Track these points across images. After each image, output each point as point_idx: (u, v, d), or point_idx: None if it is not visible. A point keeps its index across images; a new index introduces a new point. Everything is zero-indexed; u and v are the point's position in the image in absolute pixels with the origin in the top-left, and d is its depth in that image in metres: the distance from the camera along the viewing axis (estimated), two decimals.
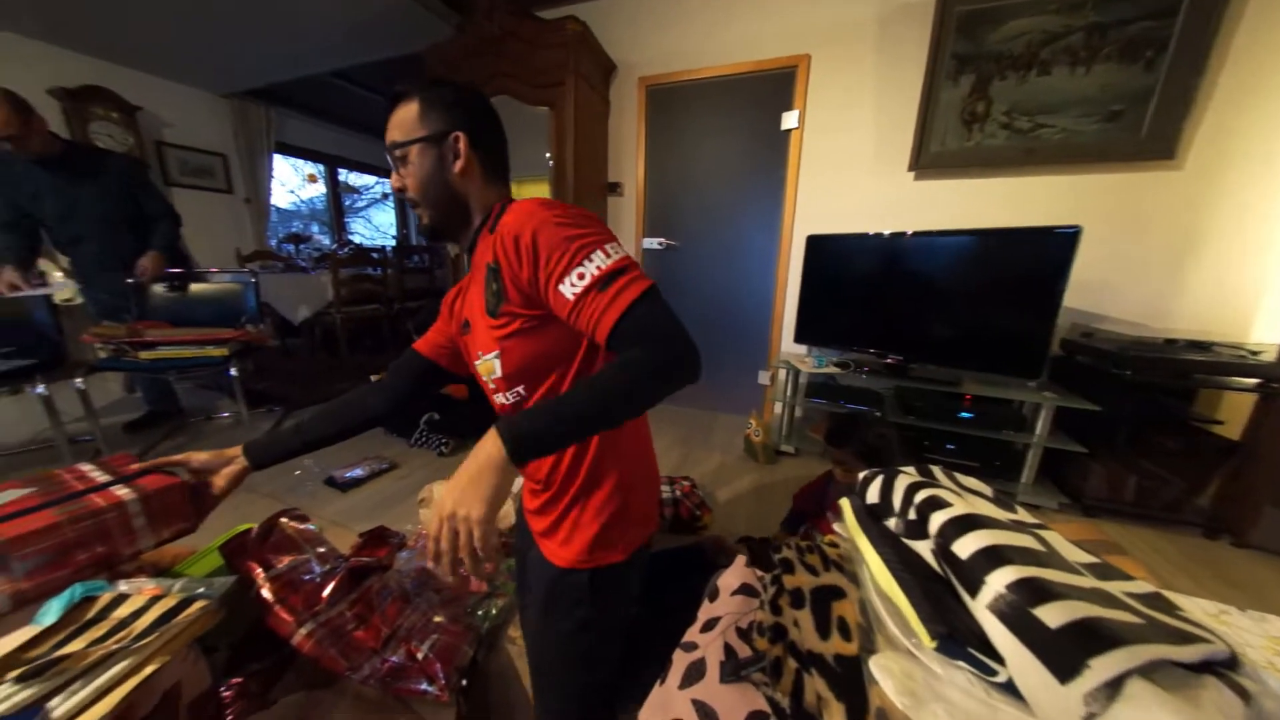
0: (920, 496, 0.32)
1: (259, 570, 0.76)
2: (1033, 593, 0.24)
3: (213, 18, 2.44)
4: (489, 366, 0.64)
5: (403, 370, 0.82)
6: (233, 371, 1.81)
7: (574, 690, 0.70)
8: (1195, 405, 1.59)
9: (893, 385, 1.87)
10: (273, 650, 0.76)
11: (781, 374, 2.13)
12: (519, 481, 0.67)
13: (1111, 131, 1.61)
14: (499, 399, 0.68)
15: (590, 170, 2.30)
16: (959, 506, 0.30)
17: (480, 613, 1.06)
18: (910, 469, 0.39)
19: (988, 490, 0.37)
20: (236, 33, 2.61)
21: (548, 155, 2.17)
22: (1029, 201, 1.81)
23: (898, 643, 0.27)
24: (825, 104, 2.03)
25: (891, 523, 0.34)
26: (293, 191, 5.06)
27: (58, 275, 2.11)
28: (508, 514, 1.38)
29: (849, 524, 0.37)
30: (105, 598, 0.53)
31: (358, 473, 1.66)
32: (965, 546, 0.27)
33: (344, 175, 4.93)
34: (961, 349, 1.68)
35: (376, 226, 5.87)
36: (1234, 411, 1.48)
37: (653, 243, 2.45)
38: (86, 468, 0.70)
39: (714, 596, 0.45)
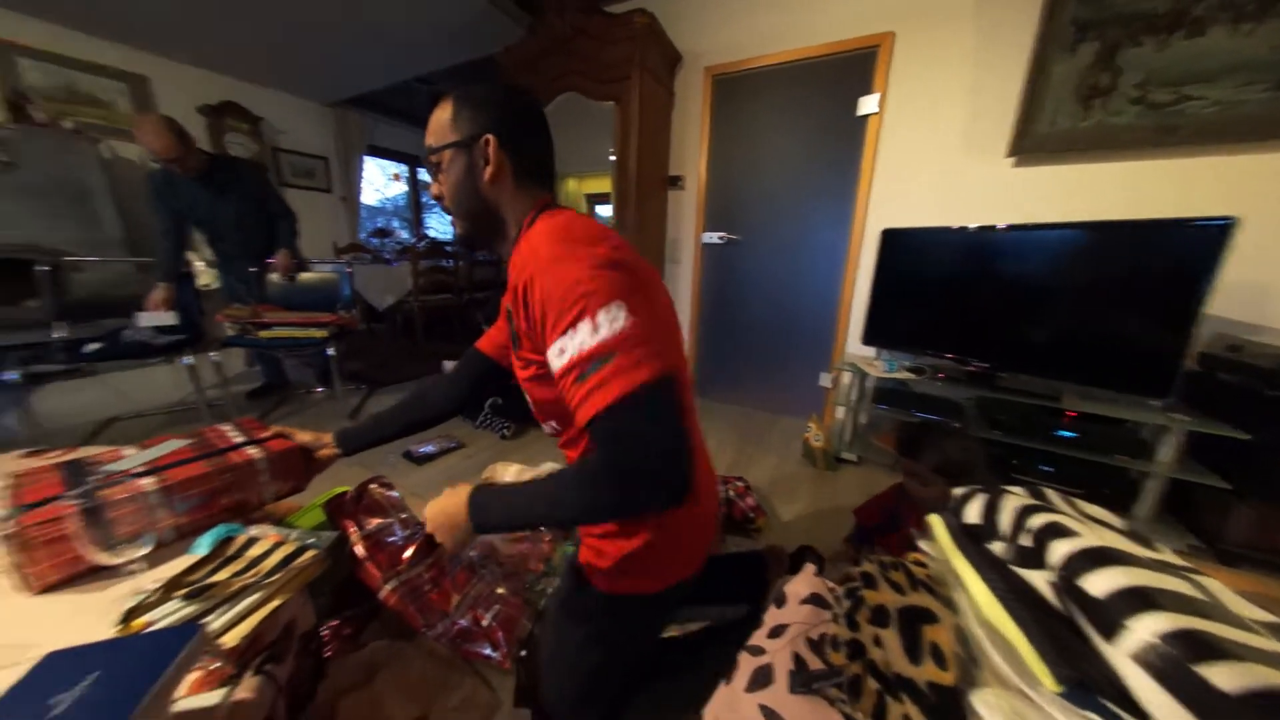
0: (1036, 521, 0.28)
1: (353, 528, 0.86)
2: (1196, 647, 0.20)
3: (320, 30, 2.72)
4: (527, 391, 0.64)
5: (465, 368, 0.83)
6: (330, 351, 2.04)
7: (571, 691, 0.67)
8: None
9: (975, 395, 1.70)
10: (363, 600, 0.86)
11: (846, 377, 2.02)
12: None
13: None
14: (543, 427, 0.68)
15: (652, 164, 2.30)
16: (1088, 537, 0.26)
17: (539, 589, 1.12)
18: (1018, 490, 0.35)
19: (1117, 521, 0.32)
20: (341, 46, 2.90)
21: (611, 152, 2.19)
22: (1155, 189, 1.54)
23: (1007, 680, 0.25)
24: (910, 85, 1.86)
25: (997, 547, 0.31)
26: (379, 190, 5.55)
27: (199, 265, 2.49)
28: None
29: (943, 544, 0.34)
30: (241, 539, 0.63)
31: (430, 449, 1.80)
32: (1099, 583, 0.24)
33: (425, 175, 5.33)
34: (1064, 358, 1.48)
35: (449, 221, 6.29)
36: None
37: (712, 237, 2.41)
38: (226, 428, 0.82)
39: (781, 603, 0.44)
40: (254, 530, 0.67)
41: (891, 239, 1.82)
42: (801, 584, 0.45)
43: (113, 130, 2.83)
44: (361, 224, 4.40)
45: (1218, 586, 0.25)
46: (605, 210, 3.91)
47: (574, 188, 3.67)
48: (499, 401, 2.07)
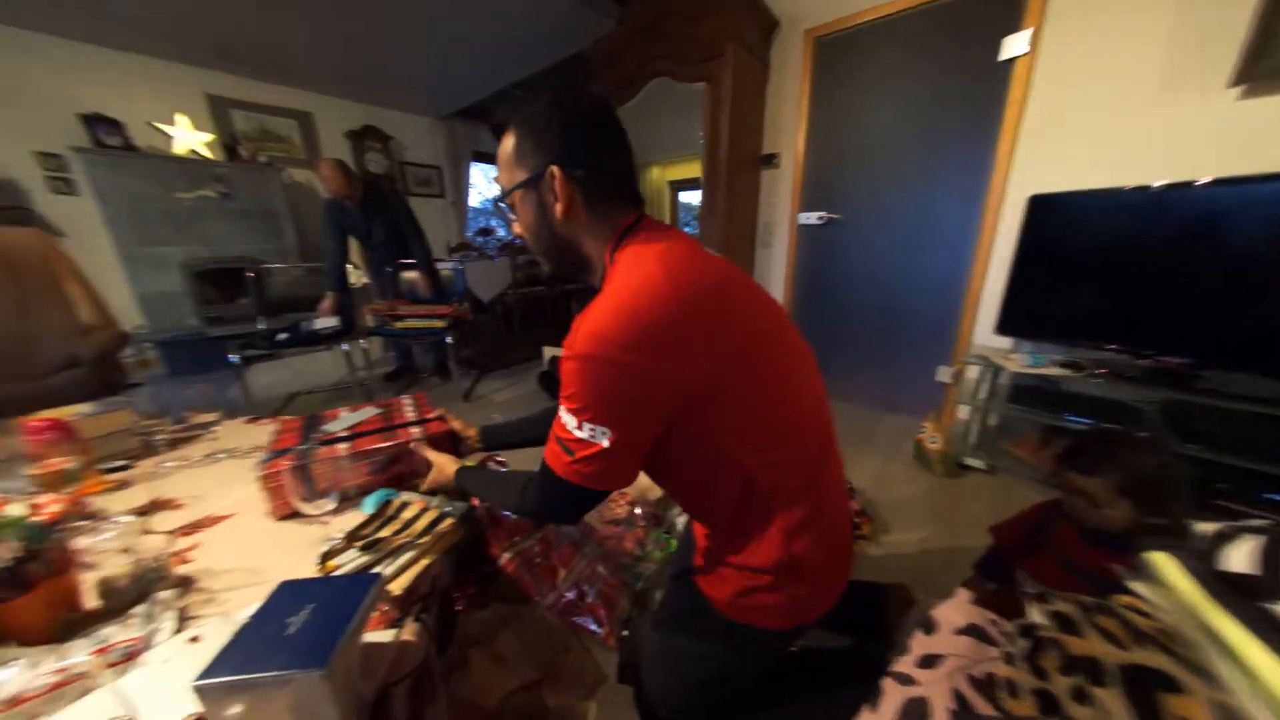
0: None
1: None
2: None
3: (435, 52, 3.03)
4: None
5: None
6: (448, 339, 2.31)
7: (677, 698, 0.65)
8: None
9: (1163, 398, 1.36)
10: (484, 564, 0.96)
11: (972, 371, 1.75)
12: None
13: None
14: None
15: (745, 143, 2.18)
16: None
17: (636, 570, 1.16)
18: None
19: None
20: (451, 64, 3.20)
21: (700, 137, 2.12)
22: None
23: None
24: (1078, 12, 1.50)
25: None
26: (480, 192, 6.09)
27: (350, 267, 2.98)
28: (651, 487, 1.47)
29: (1185, 594, 0.27)
30: (396, 502, 0.73)
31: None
32: None
33: None
34: None
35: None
36: None
37: (810, 217, 2.22)
38: (406, 402, 0.99)
39: (931, 629, 0.39)
40: (405, 495, 0.78)
41: (1042, 207, 1.51)
42: (956, 611, 0.40)
43: (291, 161, 3.49)
44: (468, 224, 4.88)
45: None
46: (690, 196, 3.83)
47: (657, 175, 3.64)
48: (445, 412, 2.17)
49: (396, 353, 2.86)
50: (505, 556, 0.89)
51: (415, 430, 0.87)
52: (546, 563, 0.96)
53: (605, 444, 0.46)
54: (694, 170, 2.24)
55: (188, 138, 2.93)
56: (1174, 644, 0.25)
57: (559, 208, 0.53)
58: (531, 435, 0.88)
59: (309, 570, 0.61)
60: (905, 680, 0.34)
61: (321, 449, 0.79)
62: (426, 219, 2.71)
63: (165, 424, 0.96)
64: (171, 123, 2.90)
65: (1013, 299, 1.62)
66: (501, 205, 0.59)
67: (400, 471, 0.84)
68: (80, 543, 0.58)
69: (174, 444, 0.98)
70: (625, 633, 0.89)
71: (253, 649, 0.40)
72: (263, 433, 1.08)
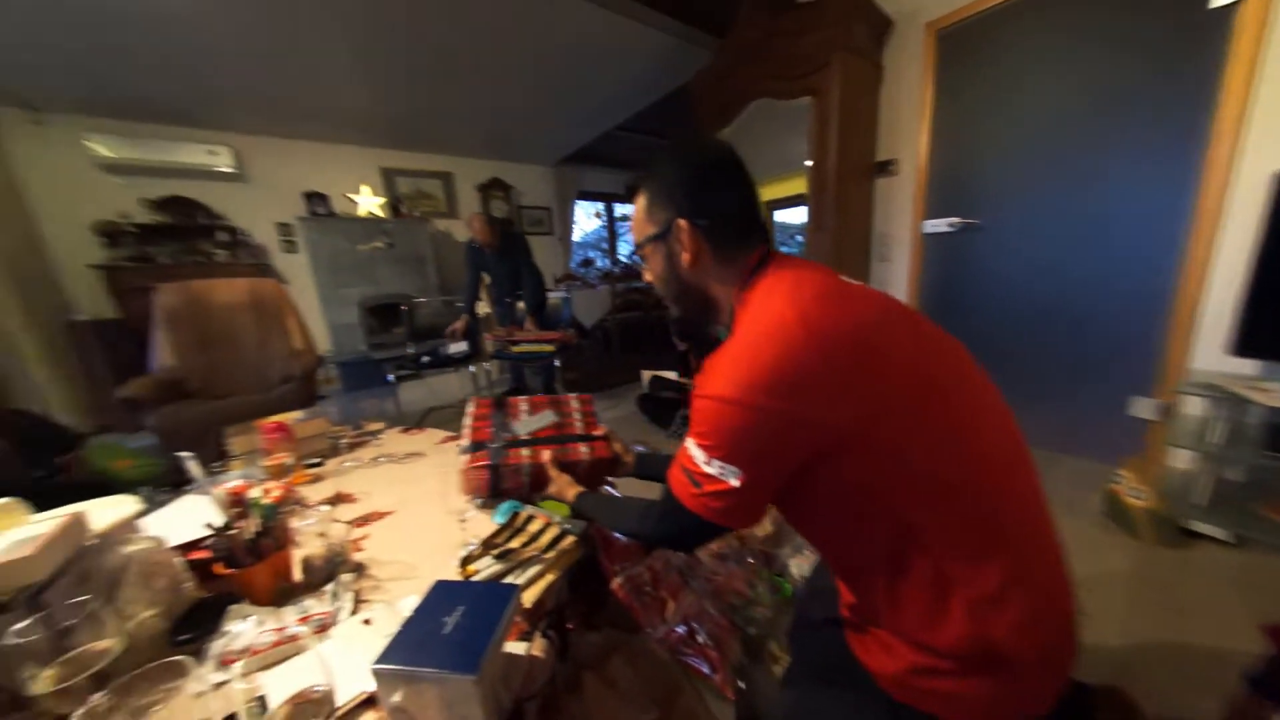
0: None
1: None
2: None
3: (551, 110, 3.42)
4: None
5: None
6: (557, 363, 2.49)
7: None
8: None
9: None
10: (596, 583, 0.96)
11: (1194, 405, 1.35)
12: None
13: None
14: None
15: (855, 152, 2.04)
16: None
17: (746, 615, 1.07)
18: None
19: None
20: (561, 116, 3.59)
21: (803, 155, 2.04)
22: None
23: None
24: None
25: None
26: (582, 229, 6.63)
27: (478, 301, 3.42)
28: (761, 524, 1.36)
29: None
30: (523, 514, 0.77)
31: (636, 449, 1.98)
32: None
33: (618, 208, 6.12)
34: None
35: (633, 246, 7.05)
36: None
37: (939, 224, 1.97)
38: (574, 404, 0.99)
39: None
40: (529, 509, 0.83)
41: None
42: None
43: (435, 213, 4.20)
44: (572, 256, 5.32)
45: None
46: (787, 215, 3.68)
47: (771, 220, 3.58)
48: (687, 414, 2.14)
49: (511, 374, 3.17)
50: (617, 581, 0.88)
51: (584, 450, 0.86)
52: (656, 594, 0.93)
53: (735, 483, 0.46)
54: (792, 187, 2.16)
55: (368, 202, 3.71)
56: None
57: (686, 257, 0.56)
58: None
59: (451, 571, 0.67)
60: None
61: (511, 451, 0.83)
62: (537, 253, 3.02)
63: (347, 430, 1.17)
64: (358, 192, 3.70)
65: (1260, 309, 1.22)
66: (638, 254, 0.63)
67: (544, 483, 0.86)
68: (291, 524, 0.70)
69: (351, 447, 1.19)
70: (742, 685, 0.81)
71: (417, 643, 0.44)
72: (413, 441, 1.25)
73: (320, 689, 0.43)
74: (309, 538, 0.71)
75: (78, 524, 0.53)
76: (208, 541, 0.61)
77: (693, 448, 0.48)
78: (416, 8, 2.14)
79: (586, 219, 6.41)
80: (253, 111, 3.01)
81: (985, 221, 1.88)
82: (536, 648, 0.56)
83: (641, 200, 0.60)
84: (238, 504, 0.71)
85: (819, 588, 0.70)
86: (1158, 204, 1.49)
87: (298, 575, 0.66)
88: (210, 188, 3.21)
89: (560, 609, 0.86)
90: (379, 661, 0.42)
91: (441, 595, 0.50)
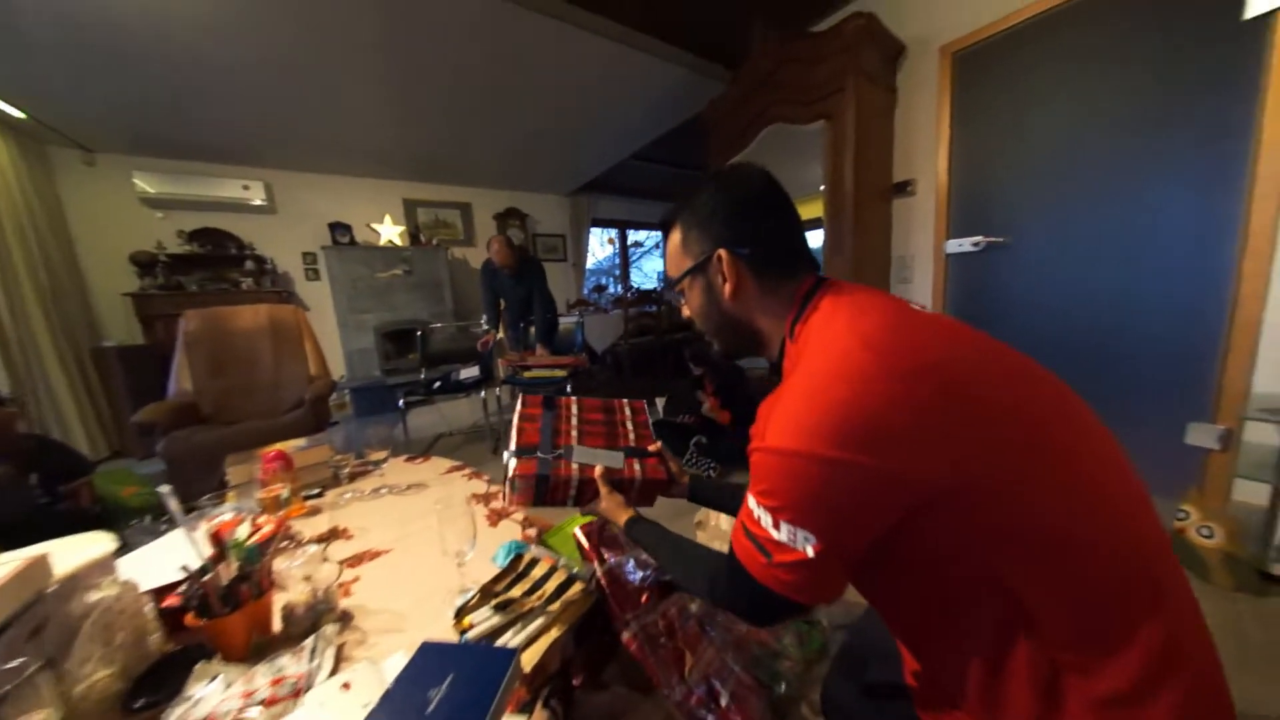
0: None
1: (596, 558, 0.90)
2: None
3: (566, 142, 3.53)
4: None
5: None
6: (569, 388, 2.44)
7: None
8: None
9: None
10: (604, 633, 0.87)
11: (1262, 433, 1.22)
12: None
13: None
14: None
15: (871, 174, 2.01)
16: None
17: (772, 670, 0.96)
18: None
19: None
20: (578, 148, 3.70)
21: (819, 178, 2.02)
22: None
23: None
24: None
25: None
26: (593, 254, 6.74)
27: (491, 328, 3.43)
28: None
29: None
30: (527, 556, 0.71)
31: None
32: None
33: (630, 235, 6.21)
34: None
35: (646, 273, 7.10)
36: None
37: (964, 244, 1.90)
38: (626, 412, 0.86)
39: None
40: (535, 550, 0.76)
41: None
42: None
43: (453, 241, 4.31)
44: (585, 282, 5.37)
45: None
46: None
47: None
48: (703, 441, 2.05)
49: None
50: (628, 633, 0.79)
51: (637, 468, 0.76)
52: (672, 644, 0.83)
53: (810, 552, 0.38)
54: (808, 211, 2.12)
55: (389, 232, 3.82)
56: None
57: (728, 288, 0.52)
58: (736, 505, 0.77)
59: (445, 620, 0.60)
60: None
61: (561, 462, 0.73)
62: (551, 279, 3.04)
63: (350, 459, 1.13)
64: (381, 221, 3.82)
65: None
66: (675, 290, 0.60)
67: (591, 497, 0.75)
68: (276, 566, 0.65)
69: (353, 477, 1.14)
70: None
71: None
72: (417, 471, 1.19)
73: None
74: (294, 581, 0.65)
75: (38, 568, 0.49)
76: (180, 588, 0.55)
77: (756, 508, 0.41)
78: (440, 48, 2.24)
79: (600, 246, 6.52)
80: (285, 148, 3.17)
81: (1011, 240, 1.80)
82: None
83: (676, 235, 0.57)
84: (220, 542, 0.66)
85: (869, 642, 0.60)
86: (1200, 221, 1.40)
87: (277, 626, 0.60)
88: (241, 219, 3.35)
89: (565, 665, 0.77)
90: None
91: (429, 660, 0.43)
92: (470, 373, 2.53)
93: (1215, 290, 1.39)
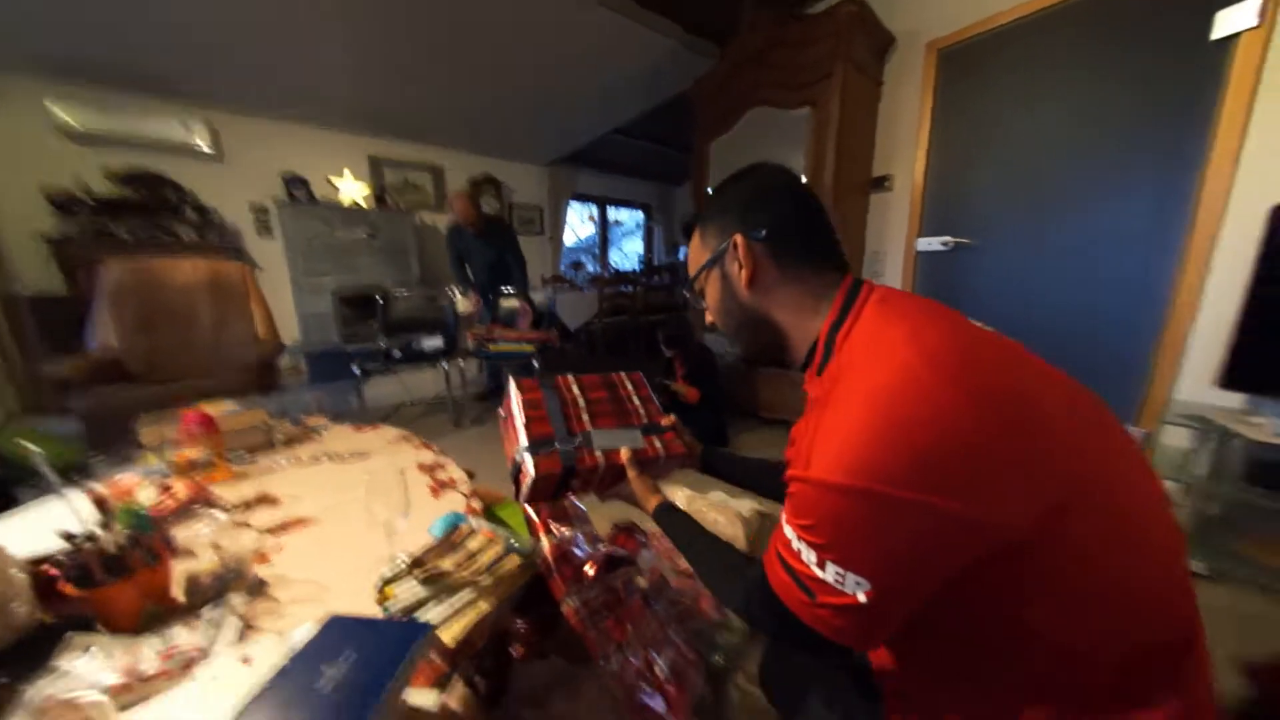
0: None
1: (543, 531, 0.88)
2: None
3: (546, 108, 3.37)
4: None
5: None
6: (536, 364, 2.38)
7: None
8: None
9: None
10: (548, 603, 0.86)
11: (1178, 437, 1.32)
12: None
13: None
14: None
15: (852, 166, 2.01)
16: None
17: (711, 642, 0.98)
18: None
19: None
20: (557, 118, 3.53)
21: (800, 162, 2.00)
22: None
23: None
24: None
25: None
26: (574, 231, 6.56)
27: (459, 297, 3.30)
28: (735, 536, 1.28)
29: None
30: (465, 529, 0.67)
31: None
32: None
33: (611, 212, 6.07)
34: None
35: (626, 254, 6.99)
36: None
37: (933, 243, 1.94)
38: (629, 387, 0.80)
39: None
40: (474, 522, 0.73)
41: None
42: None
43: (423, 206, 4.08)
44: (562, 258, 5.24)
45: None
46: None
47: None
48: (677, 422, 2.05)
49: (489, 374, 3.05)
50: (569, 605, 0.78)
51: (658, 445, 0.71)
52: (614, 617, 0.83)
53: (861, 598, 0.33)
54: None
55: (351, 189, 3.58)
56: None
57: (744, 275, 0.49)
58: (752, 481, 0.76)
59: (370, 593, 0.56)
60: None
61: (583, 452, 0.66)
62: (528, 254, 2.93)
63: (284, 424, 1.06)
64: (341, 177, 3.57)
65: (1249, 339, 1.19)
66: (695, 292, 0.57)
67: (614, 481, 0.71)
68: (182, 534, 0.59)
69: (289, 443, 1.07)
70: None
71: (283, 702, 0.34)
72: (363, 439, 1.13)
73: None
74: (204, 548, 0.60)
75: None
76: (57, 555, 0.49)
77: (797, 541, 0.36)
78: None
79: (580, 222, 6.35)
80: (235, 85, 2.87)
81: (977, 241, 1.85)
82: (454, 698, 0.46)
83: (696, 236, 0.55)
84: (105, 507, 0.60)
85: None
86: (1151, 234, 1.47)
87: (179, 595, 0.55)
88: (183, 165, 3.04)
89: (502, 637, 0.75)
90: None
91: (332, 635, 0.40)
92: (433, 342, 2.43)
93: (1155, 303, 1.47)
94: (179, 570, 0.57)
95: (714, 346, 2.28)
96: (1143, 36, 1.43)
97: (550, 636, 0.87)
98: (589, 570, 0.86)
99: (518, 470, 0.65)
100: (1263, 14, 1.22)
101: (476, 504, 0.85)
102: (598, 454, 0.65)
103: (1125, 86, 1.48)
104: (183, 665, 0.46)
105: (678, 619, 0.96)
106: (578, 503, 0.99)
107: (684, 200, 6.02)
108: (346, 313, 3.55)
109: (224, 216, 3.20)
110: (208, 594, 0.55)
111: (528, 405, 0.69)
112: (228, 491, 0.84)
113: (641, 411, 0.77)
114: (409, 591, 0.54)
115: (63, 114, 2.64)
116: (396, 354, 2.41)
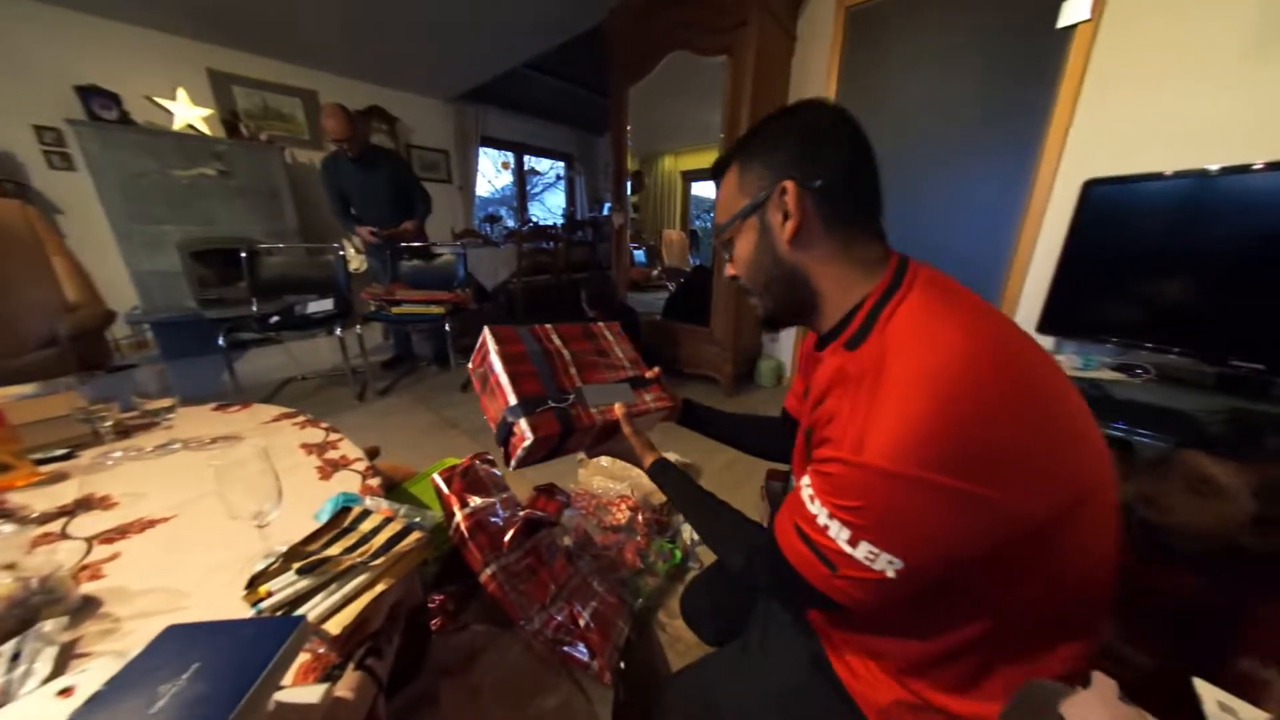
0: None
1: (457, 504, 0.85)
2: None
3: (442, 31, 2.90)
4: None
5: (781, 428, 0.72)
6: (447, 327, 2.20)
7: None
8: None
9: (1229, 407, 1.20)
10: (467, 575, 0.84)
11: None
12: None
13: None
14: None
15: None
16: None
17: (636, 586, 1.04)
18: None
19: None
20: (458, 44, 3.06)
21: (719, 122, 1.97)
22: None
23: None
24: None
25: None
26: (489, 181, 5.98)
27: (350, 251, 2.88)
28: (654, 491, 1.35)
29: None
30: (356, 510, 0.62)
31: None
32: None
33: (529, 161, 5.59)
34: None
35: (549, 208, 6.58)
36: None
37: None
38: (610, 337, 0.78)
39: None
40: (369, 502, 0.67)
41: (1099, 192, 1.35)
42: (1097, 711, 0.27)
43: (294, 140, 3.39)
44: (475, 210, 4.77)
45: None
46: (703, 188, 3.66)
47: (670, 165, 3.49)
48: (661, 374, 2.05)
49: (395, 340, 2.77)
50: (487, 572, 0.77)
51: (649, 398, 0.69)
52: (535, 579, 0.85)
53: (891, 575, 0.35)
54: (704, 160, 2.10)
55: (186, 113, 2.85)
56: None
57: (789, 226, 0.43)
58: (735, 437, 0.76)
59: (239, 593, 0.50)
60: None
61: (578, 409, 0.62)
62: (434, 203, 2.60)
63: (113, 410, 0.87)
64: (172, 97, 2.81)
65: (1060, 293, 1.46)
66: (722, 240, 0.51)
67: (606, 437, 0.68)
68: None
69: (125, 432, 0.88)
70: (623, 665, 0.78)
71: None
72: (229, 421, 0.98)
73: None
74: None
75: None
76: None
77: (826, 517, 0.36)
78: None
79: (496, 172, 5.79)
80: None
81: None
82: (343, 687, 0.43)
83: (733, 175, 0.48)
84: None
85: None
86: (1001, 199, 1.70)
87: None
88: None
89: (417, 610, 0.73)
90: None
91: (170, 649, 0.35)
92: (321, 306, 2.12)
93: (999, 260, 1.74)
94: None
95: (636, 306, 2.29)
96: (1010, 20, 1.58)
97: (468, 607, 0.87)
98: (506, 538, 0.85)
99: (508, 433, 0.58)
100: (1094, 8, 1.40)
101: (375, 482, 0.79)
102: (594, 412, 0.62)
103: (990, 65, 1.64)
104: None
105: (600, 572, 1.00)
106: (494, 470, 0.96)
107: (606, 150, 5.72)
108: (202, 272, 2.94)
109: None
110: (4, 625, 0.45)
111: (510, 359, 0.61)
112: (35, 498, 0.68)
113: (627, 364, 0.74)
114: (285, 586, 0.49)
115: None
116: (274, 319, 2.07)
